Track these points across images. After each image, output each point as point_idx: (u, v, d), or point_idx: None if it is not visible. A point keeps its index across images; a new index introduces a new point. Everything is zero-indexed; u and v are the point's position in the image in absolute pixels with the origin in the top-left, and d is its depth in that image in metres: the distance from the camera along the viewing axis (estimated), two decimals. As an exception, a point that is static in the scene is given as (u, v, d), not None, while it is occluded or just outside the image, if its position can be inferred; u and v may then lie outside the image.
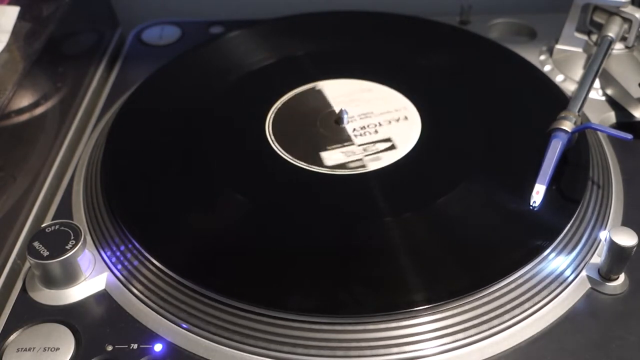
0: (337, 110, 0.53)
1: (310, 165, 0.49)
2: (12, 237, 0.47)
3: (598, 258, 0.42)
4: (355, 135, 0.51)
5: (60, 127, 0.55)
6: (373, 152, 0.49)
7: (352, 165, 0.48)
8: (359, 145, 0.50)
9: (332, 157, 0.50)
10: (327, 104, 0.55)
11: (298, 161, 0.49)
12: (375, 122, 0.52)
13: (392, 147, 0.50)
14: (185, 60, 0.61)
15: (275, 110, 0.54)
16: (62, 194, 0.50)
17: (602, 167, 0.49)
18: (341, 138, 0.51)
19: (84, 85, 0.61)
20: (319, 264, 0.42)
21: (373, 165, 0.48)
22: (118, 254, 0.44)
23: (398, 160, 0.49)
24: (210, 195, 0.47)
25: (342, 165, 0.49)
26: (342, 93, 0.56)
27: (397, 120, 0.52)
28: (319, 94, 0.56)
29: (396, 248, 0.42)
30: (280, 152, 0.50)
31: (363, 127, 0.52)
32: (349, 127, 0.52)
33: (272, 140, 0.51)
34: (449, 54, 0.60)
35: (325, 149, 0.50)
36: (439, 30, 0.63)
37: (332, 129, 0.52)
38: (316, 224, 0.44)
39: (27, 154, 0.50)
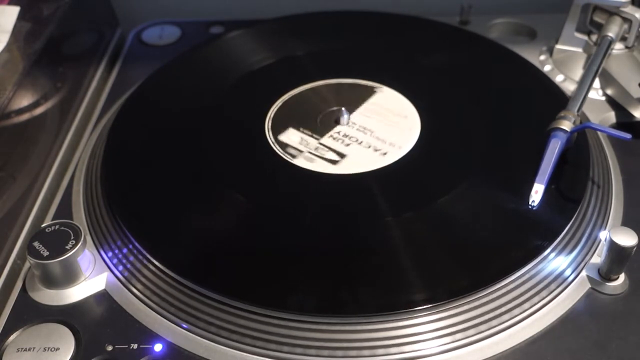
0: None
1: (268, 131, 0.50)
2: (12, 237, 0.47)
3: (598, 258, 0.42)
4: (330, 136, 0.51)
5: (60, 127, 0.56)
6: (316, 154, 0.49)
7: (289, 150, 0.49)
8: (319, 143, 0.50)
9: (290, 136, 0.50)
10: (353, 106, 0.54)
11: (282, 150, 0.49)
12: (361, 140, 0.51)
13: (334, 163, 0.49)
14: (185, 60, 0.61)
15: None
16: (62, 194, 0.50)
17: (602, 167, 0.49)
18: (319, 130, 0.52)
19: (84, 85, 0.61)
20: (319, 264, 0.42)
21: (300, 163, 0.48)
22: (118, 254, 0.44)
23: (330, 174, 0.48)
24: (210, 195, 0.47)
25: (283, 145, 0.50)
26: (381, 104, 0.55)
27: (376, 151, 0.50)
28: (367, 93, 0.56)
29: (396, 248, 0.42)
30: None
31: (346, 136, 0.51)
32: (338, 128, 0.52)
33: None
34: (449, 54, 0.60)
35: (297, 128, 0.51)
36: (439, 30, 0.63)
37: (326, 123, 0.53)
38: (316, 223, 0.44)
39: (27, 154, 0.50)
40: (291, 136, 0.50)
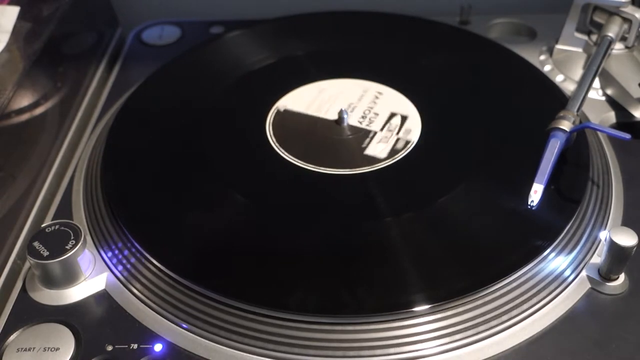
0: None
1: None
2: (12, 237, 0.47)
3: (598, 258, 0.42)
4: (361, 123, 0.53)
5: (60, 127, 0.55)
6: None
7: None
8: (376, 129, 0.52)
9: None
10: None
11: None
12: (376, 112, 0.53)
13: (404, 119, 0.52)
14: (185, 60, 0.61)
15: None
16: (62, 194, 0.50)
17: (602, 167, 0.49)
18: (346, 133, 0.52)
19: (84, 85, 0.61)
20: (319, 264, 0.42)
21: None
22: (118, 254, 0.44)
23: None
24: (210, 195, 0.47)
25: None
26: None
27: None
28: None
29: (396, 248, 0.42)
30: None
31: (363, 117, 0.53)
32: (350, 122, 0.53)
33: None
34: (449, 54, 0.60)
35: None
36: (439, 30, 0.63)
37: (333, 128, 0.52)
38: (316, 223, 0.44)
39: (27, 154, 0.50)
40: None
